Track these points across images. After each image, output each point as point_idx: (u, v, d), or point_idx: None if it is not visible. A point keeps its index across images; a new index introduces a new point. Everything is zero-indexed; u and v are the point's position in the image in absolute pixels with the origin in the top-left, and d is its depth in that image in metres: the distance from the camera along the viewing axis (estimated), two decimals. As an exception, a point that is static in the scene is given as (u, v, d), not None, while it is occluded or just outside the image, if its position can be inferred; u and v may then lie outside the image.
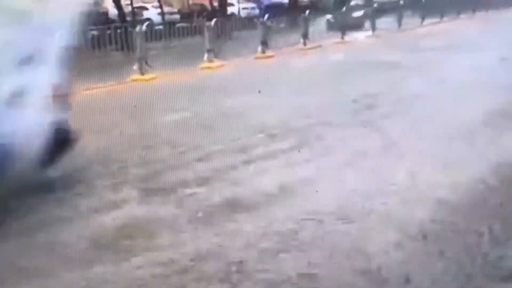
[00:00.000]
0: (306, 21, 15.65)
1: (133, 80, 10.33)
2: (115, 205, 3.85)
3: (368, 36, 17.26)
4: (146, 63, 11.10)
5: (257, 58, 13.15)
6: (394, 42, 15.49)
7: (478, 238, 3.01)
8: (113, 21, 18.50)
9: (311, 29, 15.53)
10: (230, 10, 23.98)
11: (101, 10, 21.10)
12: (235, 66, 11.66)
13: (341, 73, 9.87)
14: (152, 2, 26.15)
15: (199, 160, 4.83)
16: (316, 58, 13.21)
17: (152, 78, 10.37)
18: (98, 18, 18.19)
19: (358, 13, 19.16)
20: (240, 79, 9.74)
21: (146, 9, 25.35)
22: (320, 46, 14.98)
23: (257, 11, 27.03)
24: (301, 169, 4.43)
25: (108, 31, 13.65)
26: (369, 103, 6.91)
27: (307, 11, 16.64)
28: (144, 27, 12.09)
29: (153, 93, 8.68)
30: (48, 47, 3.90)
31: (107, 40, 13.06)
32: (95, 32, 12.78)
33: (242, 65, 11.88)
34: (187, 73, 10.31)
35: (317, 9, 25.14)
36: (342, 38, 16.49)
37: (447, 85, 7.89)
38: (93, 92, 8.36)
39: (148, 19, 21.16)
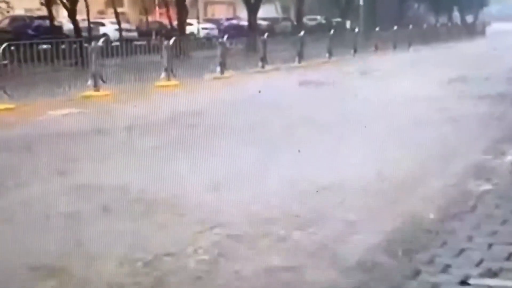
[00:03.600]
0: (265, 44, 15.83)
1: (86, 97, 10.04)
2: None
3: (324, 62, 17.65)
4: (101, 79, 10.85)
5: (215, 78, 13.12)
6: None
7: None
8: (67, 35, 18.06)
9: (268, 52, 15.70)
10: (189, 29, 23.94)
11: (56, 24, 20.56)
12: (191, 85, 11.57)
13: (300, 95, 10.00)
14: (110, 18, 25.80)
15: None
16: (271, 81, 13.30)
17: (106, 95, 10.13)
18: (51, 32, 17.73)
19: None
20: (194, 99, 9.62)
21: (103, 25, 24.96)
22: (278, 68, 15.15)
23: (216, 32, 27.16)
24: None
25: (63, 46, 13.29)
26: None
27: (266, 34, 16.85)
28: (100, 42, 11.87)
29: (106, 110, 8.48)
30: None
31: (60, 55, 12.69)
32: (46, 46, 12.40)
33: (199, 85, 11.80)
34: (142, 91, 10.13)
35: (275, 33, 25.63)
36: (299, 62, 16.78)
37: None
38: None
39: (104, 34, 20.87)
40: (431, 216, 3.57)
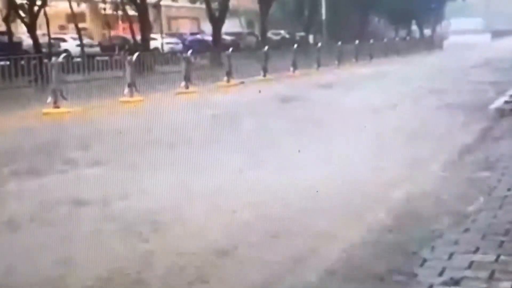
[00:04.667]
0: (229, 58, 15.87)
1: (45, 114, 9.78)
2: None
3: (288, 76, 17.83)
4: (62, 95, 10.60)
5: (179, 93, 13.04)
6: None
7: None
8: (27, 51, 17.63)
9: (233, 66, 15.74)
10: (153, 44, 23.80)
11: (15, 40, 20.08)
12: (155, 101, 11.45)
13: (263, 109, 10.03)
14: (71, 33, 25.39)
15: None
16: (237, 95, 13.34)
17: (67, 112, 9.90)
18: (10, 48, 17.27)
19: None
20: (160, 115, 9.50)
21: (64, 40, 24.54)
22: (243, 82, 15.21)
23: (180, 46, 27.09)
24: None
25: (22, 62, 12.98)
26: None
27: (230, 49, 16.91)
28: (60, 58, 11.64)
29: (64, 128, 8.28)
30: None
31: (19, 71, 12.39)
32: (4, 63, 12.09)
33: (163, 100, 11.69)
34: (104, 108, 9.95)
35: (239, 47, 25.80)
36: (265, 75, 16.90)
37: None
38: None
39: (66, 50, 20.49)
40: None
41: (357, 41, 25.27)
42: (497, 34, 49.73)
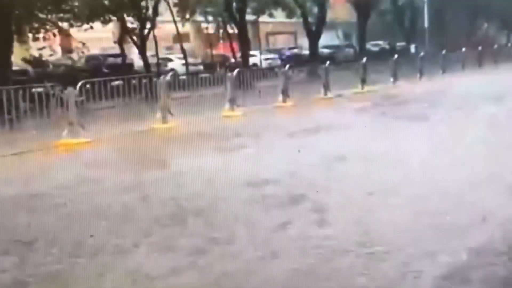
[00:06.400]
0: (327, 71, 15.84)
1: (154, 129, 10.49)
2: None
3: (388, 87, 17.36)
4: (169, 111, 11.29)
5: (277, 107, 13.27)
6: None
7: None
8: (137, 71, 19.06)
9: (330, 79, 15.67)
10: (251, 60, 24.51)
11: (127, 61, 21.81)
12: (255, 114, 11.76)
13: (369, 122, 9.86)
14: (177, 53, 26.98)
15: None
16: (334, 108, 13.26)
17: (174, 127, 10.53)
18: (123, 68, 18.80)
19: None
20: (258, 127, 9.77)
21: (171, 60, 26.13)
22: (340, 95, 15.08)
23: (278, 61, 27.57)
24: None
25: (133, 81, 14.06)
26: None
27: (328, 62, 16.88)
28: (168, 77, 12.42)
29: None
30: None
31: (132, 90, 13.43)
32: (118, 82, 13.18)
33: (262, 114, 11.97)
34: (207, 122, 10.44)
35: (337, 60, 25.62)
36: (363, 87, 16.60)
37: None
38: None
39: (172, 69, 21.83)
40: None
41: (463, 49, 23.93)
42: None
